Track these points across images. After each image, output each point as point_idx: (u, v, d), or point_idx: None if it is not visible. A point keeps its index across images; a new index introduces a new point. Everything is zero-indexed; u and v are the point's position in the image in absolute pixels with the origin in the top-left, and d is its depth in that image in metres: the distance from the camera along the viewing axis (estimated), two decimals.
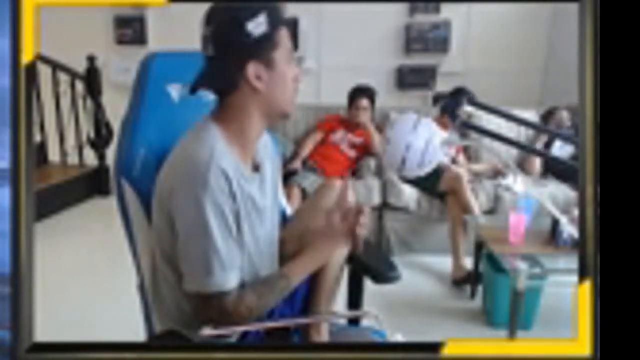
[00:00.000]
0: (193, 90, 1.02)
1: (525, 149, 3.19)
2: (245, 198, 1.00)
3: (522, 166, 3.24)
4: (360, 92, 3.22)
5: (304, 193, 2.83)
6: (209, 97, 1.25)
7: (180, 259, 0.97)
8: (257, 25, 0.94)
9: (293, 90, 1.02)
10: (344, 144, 3.21)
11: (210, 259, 0.93)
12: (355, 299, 1.35)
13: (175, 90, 1.17)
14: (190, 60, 1.27)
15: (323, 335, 1.20)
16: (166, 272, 1.05)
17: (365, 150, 3.23)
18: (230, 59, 0.96)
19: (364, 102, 3.19)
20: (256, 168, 1.07)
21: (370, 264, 1.29)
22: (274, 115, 1.03)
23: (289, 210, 1.36)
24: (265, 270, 1.09)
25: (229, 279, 0.96)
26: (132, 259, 1.14)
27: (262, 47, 0.96)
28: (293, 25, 4.07)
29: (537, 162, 3.18)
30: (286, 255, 1.16)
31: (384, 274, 1.25)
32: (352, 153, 3.21)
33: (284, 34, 0.99)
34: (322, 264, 1.10)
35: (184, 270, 0.97)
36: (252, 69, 0.96)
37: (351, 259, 1.29)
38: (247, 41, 0.94)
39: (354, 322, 1.34)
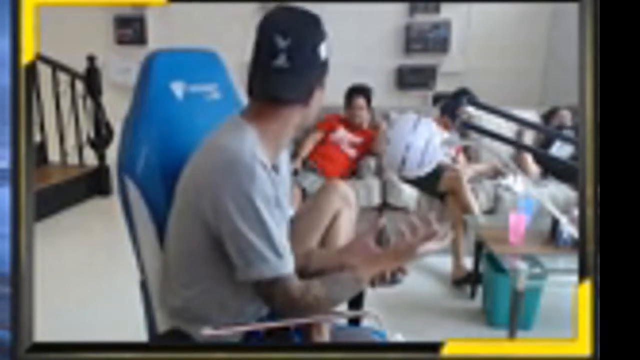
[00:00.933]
0: (250, 94, 1.03)
1: (525, 149, 3.19)
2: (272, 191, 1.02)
3: (518, 165, 3.25)
4: (356, 92, 3.23)
5: (304, 193, 2.83)
6: (212, 96, 1.25)
7: (231, 252, 0.97)
8: (325, 49, 1.01)
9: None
10: (344, 143, 3.21)
11: (264, 248, 0.95)
12: (355, 299, 1.35)
13: (178, 89, 1.17)
14: (192, 58, 1.27)
15: (324, 335, 1.20)
16: (179, 271, 1.05)
17: (365, 149, 3.23)
18: (303, 75, 0.99)
19: (361, 101, 3.21)
20: (276, 170, 1.09)
21: None
22: (302, 127, 1.08)
23: (290, 211, 1.36)
24: None
25: (285, 264, 0.98)
26: (135, 257, 1.14)
27: (325, 70, 1.04)
28: None
29: (529, 159, 3.19)
30: None
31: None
32: (352, 153, 3.21)
33: None
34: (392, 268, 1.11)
35: (237, 262, 0.97)
36: (317, 88, 1.03)
37: None
38: (318, 62, 1.00)
39: (354, 322, 1.34)
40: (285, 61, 0.96)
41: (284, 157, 1.16)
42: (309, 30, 0.99)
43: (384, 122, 3.30)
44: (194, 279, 1.05)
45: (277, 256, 0.96)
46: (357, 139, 3.22)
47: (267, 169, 0.98)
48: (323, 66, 1.02)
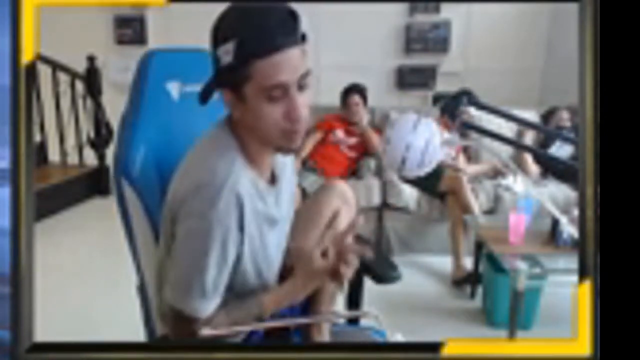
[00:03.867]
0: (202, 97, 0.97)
1: (525, 149, 3.19)
2: (257, 215, 0.97)
3: (518, 165, 3.25)
4: (350, 90, 3.27)
5: (304, 193, 2.83)
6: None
7: (169, 266, 0.95)
8: (224, 53, 0.85)
9: (284, 128, 0.90)
10: (344, 143, 3.21)
11: (194, 282, 0.91)
12: (355, 299, 1.35)
13: (174, 89, 1.16)
14: (189, 58, 1.27)
15: (324, 335, 1.20)
16: (160, 277, 1.04)
17: (363, 150, 3.24)
18: (214, 78, 0.93)
19: (356, 97, 3.23)
20: (274, 180, 1.04)
21: (370, 264, 1.29)
22: (273, 146, 0.96)
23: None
24: (270, 274, 1.07)
25: (206, 308, 0.94)
26: (132, 259, 1.14)
27: (231, 77, 0.87)
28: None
29: (529, 159, 3.19)
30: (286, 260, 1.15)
31: (385, 274, 1.25)
32: (351, 153, 3.21)
33: (262, 67, 0.84)
34: (298, 300, 1.03)
35: (169, 278, 0.94)
36: (227, 96, 0.91)
37: None
38: (219, 66, 0.88)
39: (353, 321, 1.34)
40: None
41: (287, 162, 1.11)
42: (213, 31, 0.89)
43: (363, 122, 3.30)
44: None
45: (203, 296, 0.91)
46: (353, 140, 3.23)
47: (241, 203, 0.90)
48: (227, 71, 0.86)
